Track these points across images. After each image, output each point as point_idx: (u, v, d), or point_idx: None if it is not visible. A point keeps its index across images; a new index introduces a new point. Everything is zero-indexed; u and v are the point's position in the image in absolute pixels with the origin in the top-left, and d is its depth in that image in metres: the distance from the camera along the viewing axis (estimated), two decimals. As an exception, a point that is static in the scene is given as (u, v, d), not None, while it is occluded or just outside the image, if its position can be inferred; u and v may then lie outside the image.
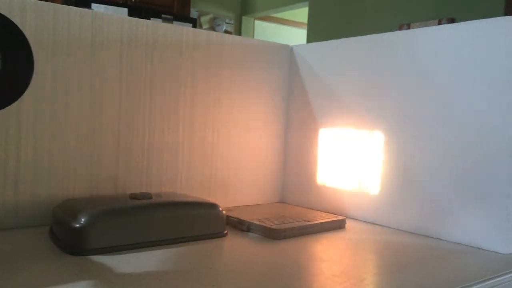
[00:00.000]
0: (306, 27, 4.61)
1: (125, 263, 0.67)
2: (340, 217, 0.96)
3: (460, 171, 0.85)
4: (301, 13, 6.37)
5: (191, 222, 0.80)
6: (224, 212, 0.85)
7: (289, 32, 6.58)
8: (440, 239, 0.88)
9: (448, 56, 0.87)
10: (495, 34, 0.81)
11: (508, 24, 0.79)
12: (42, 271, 0.61)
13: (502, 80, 0.80)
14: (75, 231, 0.69)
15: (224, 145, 1.08)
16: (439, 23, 3.18)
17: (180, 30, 1.00)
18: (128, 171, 0.95)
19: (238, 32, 5.76)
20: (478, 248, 0.83)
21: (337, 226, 0.94)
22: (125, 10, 3.78)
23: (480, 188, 0.82)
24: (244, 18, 5.76)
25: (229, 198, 1.10)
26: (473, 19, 1.39)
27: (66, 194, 0.88)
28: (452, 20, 3.12)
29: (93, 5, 3.59)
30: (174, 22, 4.08)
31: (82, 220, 0.70)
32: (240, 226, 0.90)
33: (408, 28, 3.39)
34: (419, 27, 1.33)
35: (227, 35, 1.07)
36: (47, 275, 0.60)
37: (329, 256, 0.75)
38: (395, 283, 0.63)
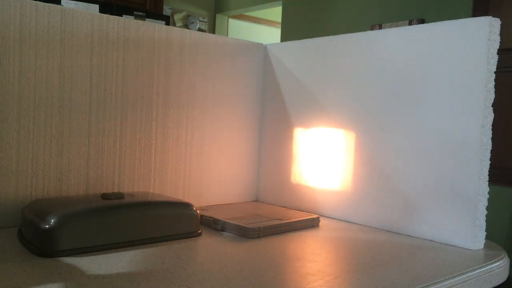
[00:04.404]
0: (280, 26, 4.63)
1: (97, 264, 0.65)
2: (314, 216, 0.97)
3: (431, 169, 0.87)
4: (275, 12, 6.39)
5: (165, 222, 0.79)
6: (198, 211, 0.84)
7: (263, 31, 6.59)
8: (412, 236, 0.90)
9: (419, 56, 0.89)
10: (463, 35, 0.83)
11: (475, 25, 0.81)
12: (11, 274, 0.59)
13: (472, 79, 0.82)
14: (44, 233, 0.68)
15: (198, 144, 1.07)
16: (410, 23, 3.23)
17: (153, 28, 0.98)
18: (99, 170, 0.93)
19: (212, 30, 5.73)
20: (449, 244, 0.84)
21: (311, 224, 0.95)
22: (96, 6, 3.72)
23: (451, 187, 0.84)
24: (218, 16, 5.74)
25: (203, 197, 1.09)
26: (443, 20, 1.42)
27: (35, 194, 0.86)
28: (422, 21, 3.18)
29: (63, 1, 3.52)
30: (147, 19, 4.03)
31: (52, 221, 0.68)
32: (215, 225, 0.90)
33: (380, 28, 3.44)
34: (390, 28, 1.35)
35: (200, 33, 1.06)
36: (16, 277, 0.58)
37: (303, 254, 0.75)
38: (368, 280, 0.63)
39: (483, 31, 0.80)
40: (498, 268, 0.75)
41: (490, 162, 0.82)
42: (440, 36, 0.86)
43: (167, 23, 4.41)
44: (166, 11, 5.15)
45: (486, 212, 0.82)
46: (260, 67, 1.19)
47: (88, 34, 0.90)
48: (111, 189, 0.95)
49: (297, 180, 1.11)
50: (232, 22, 6.09)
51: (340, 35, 1.02)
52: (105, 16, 0.92)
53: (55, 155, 0.87)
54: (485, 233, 0.83)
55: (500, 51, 0.82)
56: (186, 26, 5.40)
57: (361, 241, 0.84)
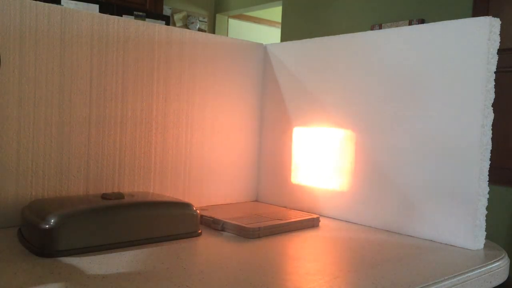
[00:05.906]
0: (280, 26, 4.63)
1: (97, 264, 0.65)
2: (314, 216, 0.97)
3: (431, 169, 0.87)
4: (275, 12, 6.38)
5: (165, 222, 0.79)
6: (198, 211, 0.84)
7: (263, 31, 6.59)
8: (412, 236, 0.90)
9: (419, 56, 0.89)
10: (463, 35, 0.83)
11: (475, 25, 0.81)
12: (11, 274, 0.59)
13: (472, 79, 0.82)
14: (44, 232, 0.68)
15: (198, 144, 1.07)
16: (410, 23, 3.23)
17: (153, 27, 0.98)
18: (99, 170, 0.93)
19: (212, 30, 5.73)
20: (449, 244, 0.84)
21: (311, 224, 0.95)
22: (96, 6, 3.72)
23: (451, 186, 0.84)
24: (218, 16, 5.74)
25: (203, 197, 1.09)
26: (443, 20, 1.42)
27: (35, 194, 0.86)
28: (422, 21, 3.18)
29: (63, 1, 3.52)
30: (147, 19, 4.03)
31: (52, 221, 0.68)
32: (214, 225, 0.90)
33: (380, 28, 3.44)
34: (390, 28, 1.35)
35: (200, 33, 1.06)
36: (16, 277, 0.58)
37: (303, 254, 0.75)
38: (368, 280, 0.63)
39: (483, 31, 0.80)
40: (498, 268, 0.75)
41: (490, 162, 0.82)
42: (440, 36, 0.86)
43: (167, 23, 4.41)
44: (166, 11, 5.15)
45: (486, 212, 0.82)
46: (260, 67, 1.19)
47: (88, 34, 0.90)
48: (111, 189, 0.95)
49: (297, 180, 1.11)
50: (232, 22, 6.09)
51: (340, 35, 1.02)
52: (105, 16, 0.92)
53: (55, 155, 0.87)
54: (485, 233, 0.83)
55: (500, 51, 0.82)
56: (186, 26, 5.40)
57: (361, 241, 0.84)
